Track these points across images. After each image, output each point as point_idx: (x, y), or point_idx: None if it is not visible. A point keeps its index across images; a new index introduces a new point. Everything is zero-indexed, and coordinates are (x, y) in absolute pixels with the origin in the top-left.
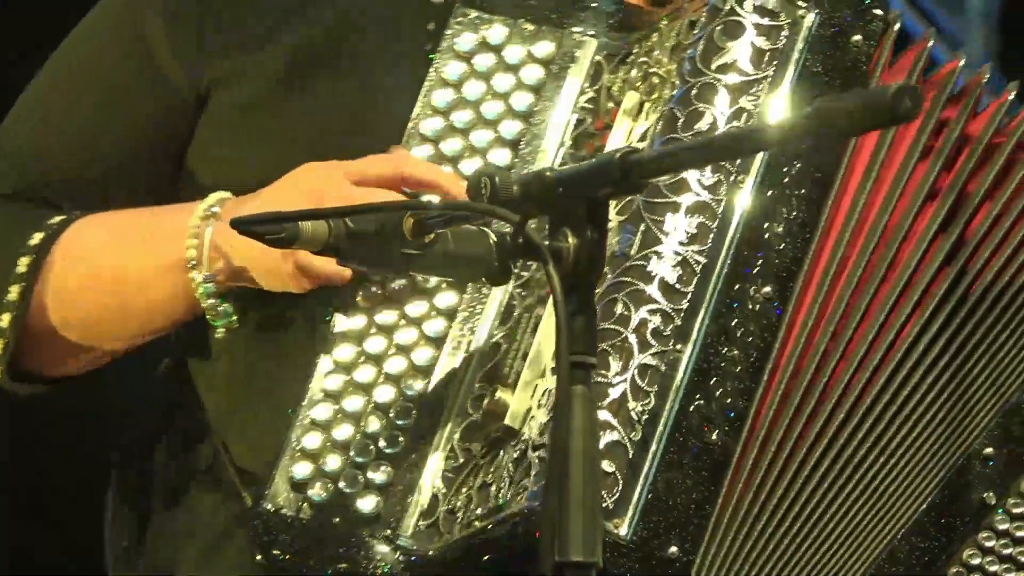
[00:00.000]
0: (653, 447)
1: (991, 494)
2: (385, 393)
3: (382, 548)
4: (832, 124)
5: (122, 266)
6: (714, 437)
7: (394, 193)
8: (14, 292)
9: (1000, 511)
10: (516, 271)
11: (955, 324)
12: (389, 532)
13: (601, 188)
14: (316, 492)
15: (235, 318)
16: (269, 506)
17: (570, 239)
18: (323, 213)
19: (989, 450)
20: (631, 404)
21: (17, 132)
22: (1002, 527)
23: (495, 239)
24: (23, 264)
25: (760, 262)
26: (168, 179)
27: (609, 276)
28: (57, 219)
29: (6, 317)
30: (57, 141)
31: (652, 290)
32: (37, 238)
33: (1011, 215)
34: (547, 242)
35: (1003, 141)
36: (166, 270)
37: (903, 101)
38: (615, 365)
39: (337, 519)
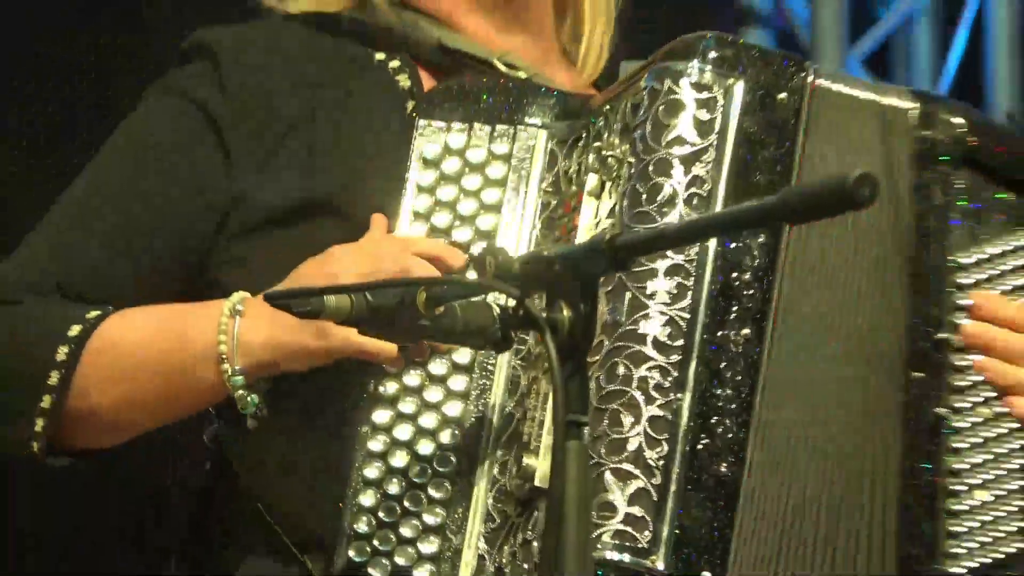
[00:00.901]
0: (672, 487)
1: None
2: (415, 462)
3: None
4: (796, 209)
5: (159, 356)
6: (723, 469)
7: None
8: (54, 377)
9: None
10: (516, 342)
11: None
12: None
13: (593, 267)
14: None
15: (264, 411)
16: None
17: (565, 311)
18: (346, 289)
19: None
20: (647, 453)
21: (59, 235)
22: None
23: (498, 311)
24: (62, 353)
25: (735, 308)
26: (189, 280)
27: (607, 342)
28: (95, 313)
29: (47, 399)
30: (97, 247)
31: (647, 349)
32: (76, 329)
33: None
34: (544, 314)
35: None
36: (201, 360)
37: (862, 189)
38: (627, 421)
39: None
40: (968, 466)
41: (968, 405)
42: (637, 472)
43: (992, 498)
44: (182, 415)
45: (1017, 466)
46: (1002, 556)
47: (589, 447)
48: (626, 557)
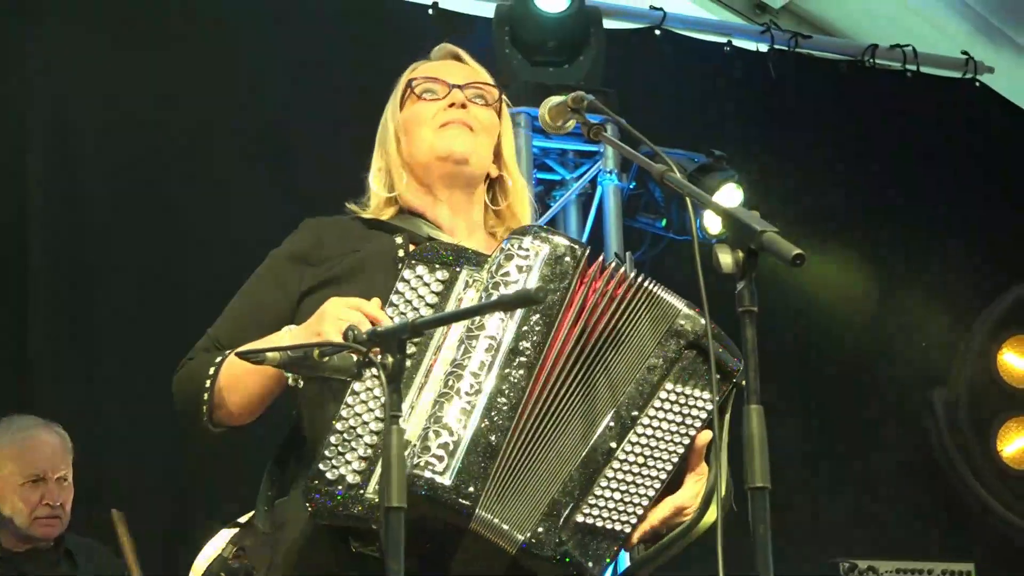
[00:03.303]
0: (463, 444)
1: (615, 445)
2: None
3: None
4: (511, 303)
5: (250, 371)
6: (492, 439)
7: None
8: (208, 383)
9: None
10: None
11: (579, 374)
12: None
13: (403, 335)
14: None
15: (300, 383)
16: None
17: (390, 359)
18: (280, 348)
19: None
20: (453, 425)
21: (219, 320)
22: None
23: (355, 359)
24: (211, 371)
25: (516, 360)
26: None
27: (448, 367)
28: (227, 352)
29: (205, 396)
30: (233, 321)
31: (467, 374)
32: (217, 360)
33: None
34: (379, 360)
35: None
36: (271, 368)
37: (539, 294)
38: (447, 407)
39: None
40: (614, 478)
41: (630, 455)
42: (444, 433)
43: (618, 501)
44: (270, 399)
45: (639, 496)
46: (608, 528)
47: (426, 419)
48: (432, 475)
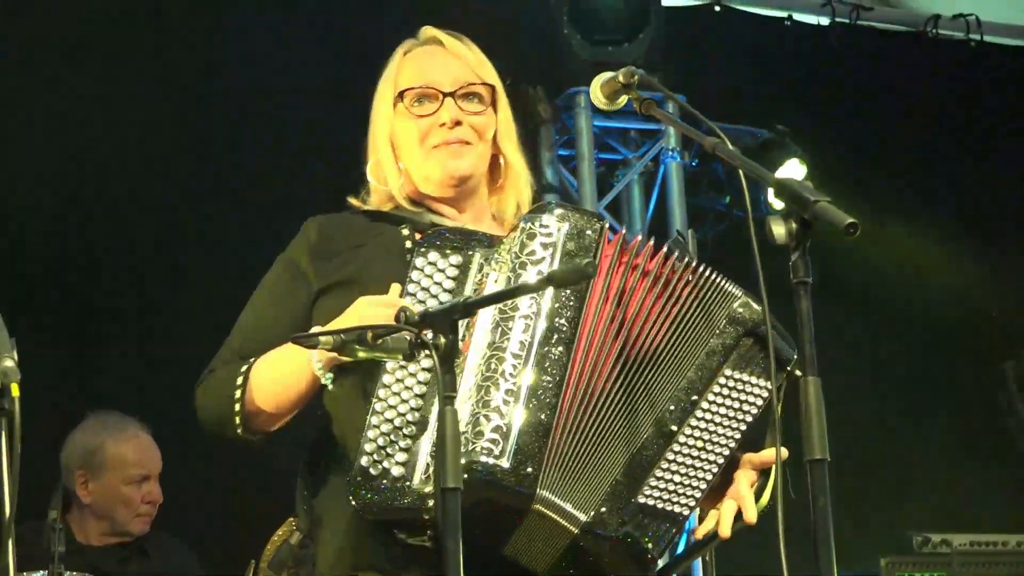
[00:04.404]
0: (515, 426)
1: (676, 428)
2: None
3: None
4: (558, 280)
5: (282, 371)
6: (543, 417)
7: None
8: (238, 394)
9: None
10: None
11: (628, 354)
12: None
13: (455, 315)
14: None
15: (332, 383)
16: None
17: (441, 339)
18: (333, 332)
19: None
20: (503, 408)
21: (238, 331)
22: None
23: (408, 339)
24: (239, 378)
25: (555, 337)
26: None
27: (487, 351)
28: (251, 361)
29: (237, 406)
30: (255, 332)
31: (508, 355)
32: (244, 369)
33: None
34: (431, 340)
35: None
36: (302, 366)
37: (589, 268)
38: (493, 391)
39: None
40: (674, 461)
41: (689, 438)
42: (495, 416)
43: (678, 483)
44: (307, 397)
45: (698, 479)
46: (669, 511)
47: (474, 405)
48: (490, 459)
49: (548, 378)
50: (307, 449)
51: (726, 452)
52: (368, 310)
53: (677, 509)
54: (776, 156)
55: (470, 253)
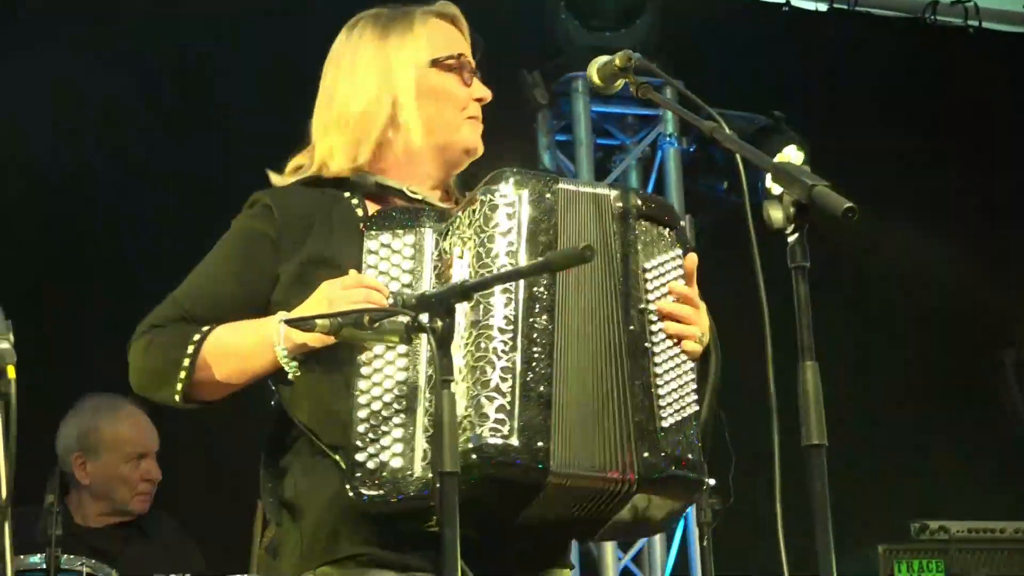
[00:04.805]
0: (517, 402)
1: (648, 345)
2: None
3: None
4: (556, 264)
5: (240, 346)
6: (541, 389)
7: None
8: (187, 360)
9: None
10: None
11: (578, 294)
12: None
13: (452, 298)
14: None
15: (298, 372)
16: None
17: (438, 323)
18: (329, 315)
19: None
20: (501, 386)
21: (187, 290)
22: None
23: (405, 322)
24: (191, 346)
25: (537, 308)
26: (259, 311)
27: (473, 331)
28: (206, 328)
29: (183, 373)
30: (207, 294)
31: (494, 332)
32: (197, 335)
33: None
34: (428, 324)
35: None
36: (264, 347)
37: (587, 252)
38: (489, 369)
39: None
40: (662, 372)
41: (660, 343)
42: (497, 396)
43: (676, 388)
44: (255, 379)
45: (686, 372)
46: (686, 415)
47: (470, 387)
48: (498, 439)
49: (538, 349)
50: (266, 440)
51: (687, 326)
52: (336, 293)
53: (690, 410)
54: (774, 142)
55: (421, 230)
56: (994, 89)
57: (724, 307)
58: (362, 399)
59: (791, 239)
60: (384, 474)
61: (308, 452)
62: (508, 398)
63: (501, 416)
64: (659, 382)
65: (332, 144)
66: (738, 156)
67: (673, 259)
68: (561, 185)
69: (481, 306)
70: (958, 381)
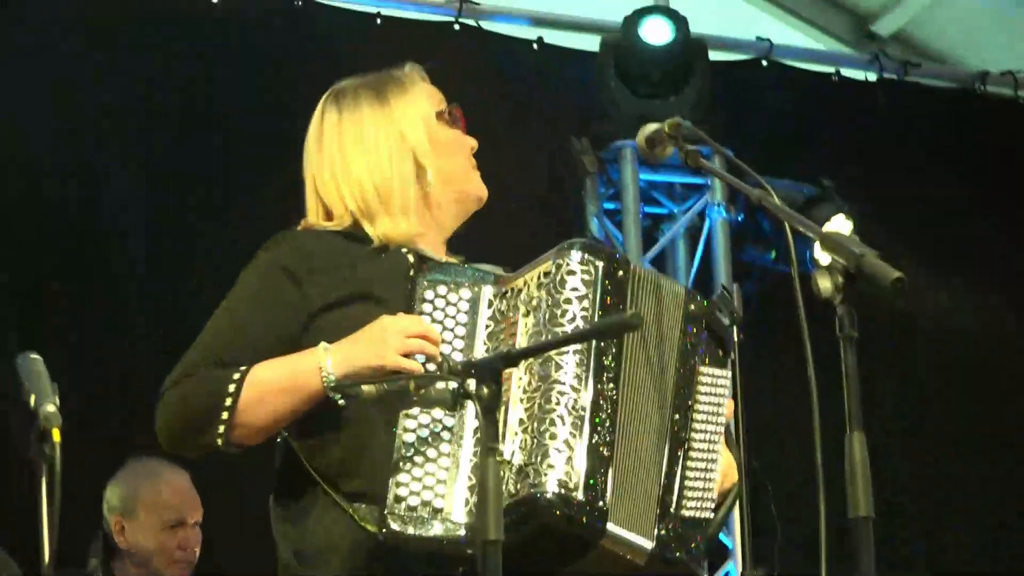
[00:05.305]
0: (584, 456)
1: (685, 435)
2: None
3: None
4: (605, 332)
5: (283, 383)
6: (604, 452)
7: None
8: (228, 402)
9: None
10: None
11: (640, 372)
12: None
13: (499, 365)
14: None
15: (343, 401)
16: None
17: (484, 390)
18: (376, 380)
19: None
20: (572, 439)
21: (214, 334)
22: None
23: (452, 389)
24: (231, 389)
25: (604, 376)
26: (289, 346)
27: (543, 385)
28: (244, 368)
29: (225, 414)
30: (237, 336)
31: (568, 389)
32: (236, 376)
33: None
34: (474, 391)
35: None
36: (311, 376)
37: (634, 321)
38: (560, 425)
39: None
40: (692, 468)
41: (697, 444)
42: (566, 449)
43: (700, 488)
44: (297, 415)
45: (711, 480)
46: (701, 516)
47: (533, 438)
48: (564, 491)
49: (604, 415)
50: (277, 477)
51: (719, 446)
52: (393, 333)
53: (706, 515)
54: (822, 211)
55: (479, 287)
56: None
57: (771, 378)
58: (407, 437)
59: (839, 309)
60: (425, 512)
61: (326, 497)
62: (575, 453)
63: (568, 468)
64: (689, 475)
65: (371, 213)
66: (786, 225)
67: (725, 377)
68: (634, 265)
69: (552, 363)
70: (1002, 439)
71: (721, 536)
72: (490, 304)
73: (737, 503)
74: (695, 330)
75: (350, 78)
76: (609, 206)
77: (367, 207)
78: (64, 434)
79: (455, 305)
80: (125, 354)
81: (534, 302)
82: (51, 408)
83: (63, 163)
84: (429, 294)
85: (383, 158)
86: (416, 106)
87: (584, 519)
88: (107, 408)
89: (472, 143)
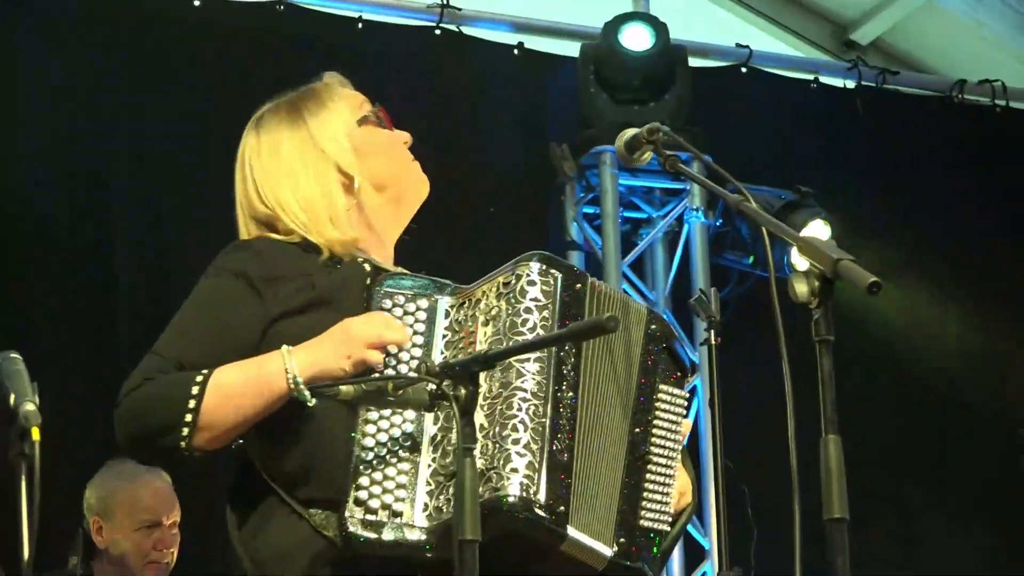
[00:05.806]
0: (544, 462)
1: (645, 449)
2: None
3: None
4: (579, 334)
5: (248, 385)
6: (564, 458)
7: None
8: (192, 405)
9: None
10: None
11: (600, 385)
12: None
13: (476, 367)
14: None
15: (313, 401)
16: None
17: (462, 391)
18: (352, 380)
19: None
20: (532, 446)
21: (173, 340)
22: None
23: (430, 390)
24: (194, 392)
25: (564, 383)
26: (248, 352)
27: (504, 392)
28: (206, 371)
29: (188, 417)
30: (197, 341)
31: (529, 396)
32: (200, 378)
33: None
34: (451, 392)
35: None
36: (276, 379)
37: (611, 322)
38: (520, 427)
39: None
40: (650, 480)
41: (655, 458)
42: (527, 454)
43: (657, 500)
44: (261, 418)
45: (667, 494)
46: (658, 528)
47: (495, 443)
48: (527, 494)
49: (564, 420)
50: (232, 485)
51: (676, 462)
52: (363, 331)
53: (663, 527)
54: (801, 217)
55: (435, 298)
56: (1020, 165)
57: (747, 381)
58: (367, 441)
59: (816, 313)
60: (384, 516)
61: (283, 505)
62: (537, 458)
63: (530, 473)
64: (648, 487)
65: (308, 229)
66: (764, 230)
67: (683, 398)
68: (592, 280)
69: (514, 370)
70: (978, 459)
71: (698, 537)
72: (447, 314)
73: (714, 503)
74: (656, 349)
75: (270, 101)
76: (588, 210)
77: (303, 223)
78: (46, 434)
79: (412, 315)
80: (109, 353)
81: (493, 311)
82: (31, 407)
83: (51, 167)
84: (387, 303)
85: (304, 178)
86: (334, 117)
87: (545, 523)
88: (91, 408)
89: (405, 137)
